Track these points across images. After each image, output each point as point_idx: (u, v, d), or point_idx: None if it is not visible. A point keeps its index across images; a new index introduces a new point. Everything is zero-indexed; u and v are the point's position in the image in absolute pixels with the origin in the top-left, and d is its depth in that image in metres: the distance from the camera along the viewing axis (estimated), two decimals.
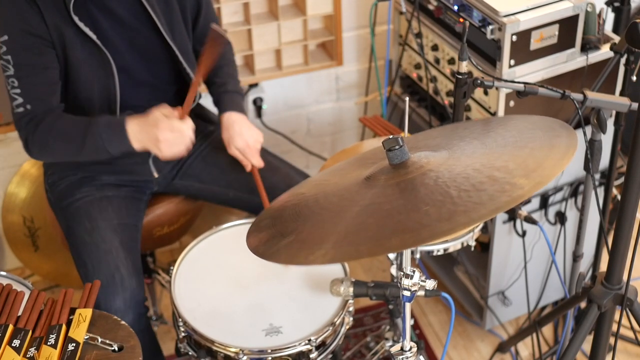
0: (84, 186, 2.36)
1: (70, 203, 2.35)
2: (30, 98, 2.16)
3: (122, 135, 2.16)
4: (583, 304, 2.29)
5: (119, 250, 2.24)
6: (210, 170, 2.46)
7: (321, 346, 2.04)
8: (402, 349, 1.77)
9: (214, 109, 2.53)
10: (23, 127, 2.19)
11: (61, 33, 2.15)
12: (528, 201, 2.62)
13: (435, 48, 2.65)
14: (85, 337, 1.71)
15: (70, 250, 2.32)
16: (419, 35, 2.68)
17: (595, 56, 2.45)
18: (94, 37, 2.16)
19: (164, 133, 2.14)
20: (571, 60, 2.44)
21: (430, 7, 2.61)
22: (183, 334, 2.08)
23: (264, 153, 2.49)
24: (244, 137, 2.35)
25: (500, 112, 2.40)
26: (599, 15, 2.41)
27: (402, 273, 1.65)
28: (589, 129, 2.22)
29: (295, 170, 2.51)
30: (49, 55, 2.16)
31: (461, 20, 2.48)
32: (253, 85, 3.05)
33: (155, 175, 2.41)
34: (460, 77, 2.10)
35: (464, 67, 2.09)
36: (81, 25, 2.14)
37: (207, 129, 2.54)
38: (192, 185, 2.49)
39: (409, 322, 1.74)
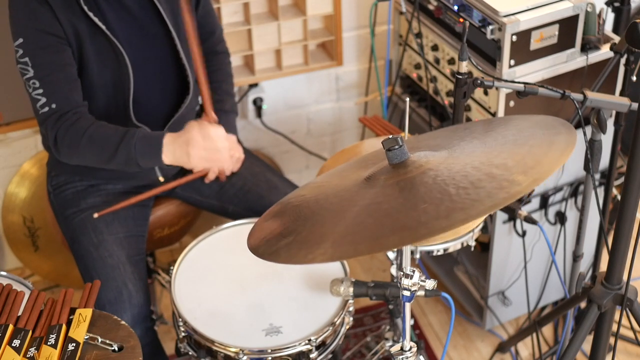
0: (90, 197, 2.37)
1: (75, 213, 2.34)
2: (54, 96, 2.16)
3: (157, 149, 2.17)
4: (583, 304, 2.29)
5: (125, 265, 2.25)
6: (210, 184, 2.47)
7: (321, 346, 2.04)
8: (402, 349, 1.77)
9: None
10: (51, 126, 2.18)
11: (75, 28, 2.15)
12: (528, 201, 2.62)
13: (435, 48, 2.65)
14: (85, 337, 1.71)
15: (76, 262, 2.33)
16: (419, 35, 2.68)
17: (595, 56, 2.45)
18: (104, 27, 2.17)
19: (197, 151, 2.18)
20: (571, 60, 2.44)
21: (430, 7, 2.61)
22: (183, 334, 2.08)
23: (266, 170, 2.51)
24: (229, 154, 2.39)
25: (500, 112, 2.40)
26: (599, 15, 2.41)
27: (402, 273, 1.65)
28: (589, 129, 2.22)
29: (294, 188, 2.52)
30: (65, 52, 2.16)
31: (461, 20, 2.48)
32: (253, 85, 3.05)
33: (161, 179, 2.41)
34: (460, 77, 2.10)
35: (464, 67, 2.09)
36: (91, 15, 2.15)
37: None
38: (192, 197, 2.52)
39: (409, 322, 1.74)
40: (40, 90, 2.15)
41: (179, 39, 2.30)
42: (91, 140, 2.18)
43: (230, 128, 2.45)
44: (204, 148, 2.19)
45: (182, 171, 2.47)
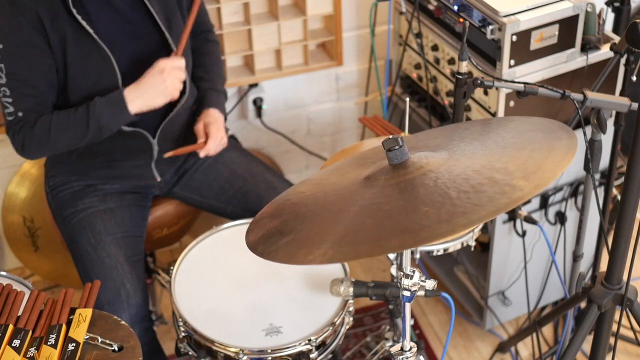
0: (87, 197, 2.36)
1: (73, 214, 2.34)
2: (22, 108, 2.17)
3: (122, 105, 2.17)
4: (583, 304, 2.29)
5: (124, 265, 2.25)
6: (210, 184, 2.47)
7: (321, 346, 2.04)
8: (402, 349, 1.77)
9: None
10: (17, 132, 2.19)
11: (62, 34, 2.14)
12: (528, 201, 2.62)
13: (435, 48, 2.65)
14: (85, 337, 1.71)
15: (74, 262, 2.33)
16: (419, 35, 2.68)
17: (595, 56, 2.45)
18: (91, 31, 2.16)
19: (150, 78, 2.18)
20: (571, 60, 2.44)
21: (430, 7, 2.61)
22: (183, 334, 2.08)
23: (265, 171, 2.51)
24: (218, 133, 2.37)
25: (500, 112, 2.40)
26: (599, 15, 2.41)
27: (402, 273, 1.65)
28: (589, 129, 2.22)
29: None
30: (44, 65, 2.16)
31: (461, 20, 2.48)
32: (253, 85, 3.05)
33: (158, 178, 2.41)
34: (460, 77, 2.10)
35: (464, 67, 2.09)
36: (79, 18, 2.13)
37: None
38: (191, 197, 2.51)
39: (409, 322, 1.74)
40: (10, 100, 2.16)
41: (172, 38, 2.29)
42: (59, 128, 2.18)
43: (221, 107, 2.44)
44: (157, 74, 2.19)
45: (179, 172, 2.47)
